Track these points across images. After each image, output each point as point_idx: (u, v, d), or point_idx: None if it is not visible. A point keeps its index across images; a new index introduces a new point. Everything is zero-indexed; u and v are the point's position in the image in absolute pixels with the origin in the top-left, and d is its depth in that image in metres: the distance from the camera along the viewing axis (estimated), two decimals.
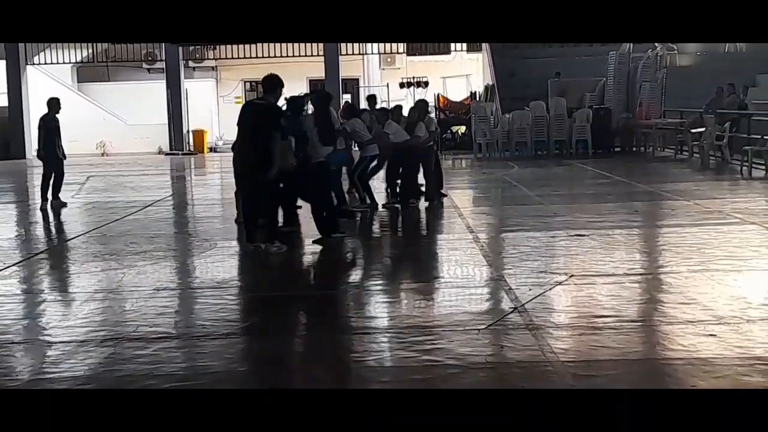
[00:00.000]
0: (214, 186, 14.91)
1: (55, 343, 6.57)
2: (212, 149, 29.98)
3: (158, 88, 28.99)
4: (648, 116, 22.17)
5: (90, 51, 32.48)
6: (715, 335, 6.10)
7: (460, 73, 34.42)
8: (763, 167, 16.26)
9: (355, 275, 9.54)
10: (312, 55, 29.43)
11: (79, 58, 32.49)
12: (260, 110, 9.82)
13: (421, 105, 13.81)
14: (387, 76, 34.31)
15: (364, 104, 17.30)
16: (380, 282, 8.76)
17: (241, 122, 9.87)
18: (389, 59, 34.63)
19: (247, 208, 10.22)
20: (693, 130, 19.71)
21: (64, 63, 31.44)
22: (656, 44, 23.93)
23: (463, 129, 26.49)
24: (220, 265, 9.77)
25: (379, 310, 7.62)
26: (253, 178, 9.90)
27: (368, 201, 13.02)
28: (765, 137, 16.50)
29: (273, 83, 9.93)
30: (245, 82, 35.22)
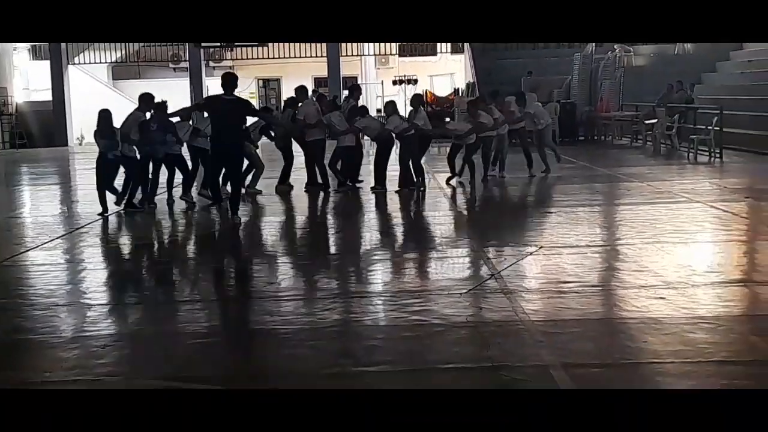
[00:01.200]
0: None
1: (94, 305, 6.56)
2: None
3: (183, 85, 28.84)
4: (608, 109, 22.14)
5: (123, 52, 32.33)
6: (664, 298, 6.11)
7: (445, 72, 34.40)
8: (707, 153, 16.26)
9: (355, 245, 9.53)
10: (316, 56, 29.33)
11: (114, 59, 32.35)
12: (234, 103, 9.96)
13: (416, 98, 13.61)
14: (382, 74, 34.28)
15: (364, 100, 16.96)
16: (380, 251, 8.76)
17: (216, 114, 10.02)
18: (383, 60, 34.63)
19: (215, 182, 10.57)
20: (646, 122, 19.70)
21: (101, 63, 31.27)
22: (615, 46, 23.88)
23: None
24: (239, 236, 9.78)
25: (374, 275, 7.62)
26: (229, 158, 10.04)
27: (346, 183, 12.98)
28: (708, 128, 16.48)
29: (233, 81, 10.07)
30: (258, 79, 35.19)
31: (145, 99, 11.57)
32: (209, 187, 10.97)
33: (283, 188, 13.16)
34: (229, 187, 10.59)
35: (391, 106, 12.92)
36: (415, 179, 12.33)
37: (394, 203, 11.90)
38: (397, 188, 12.33)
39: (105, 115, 11.18)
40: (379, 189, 12.43)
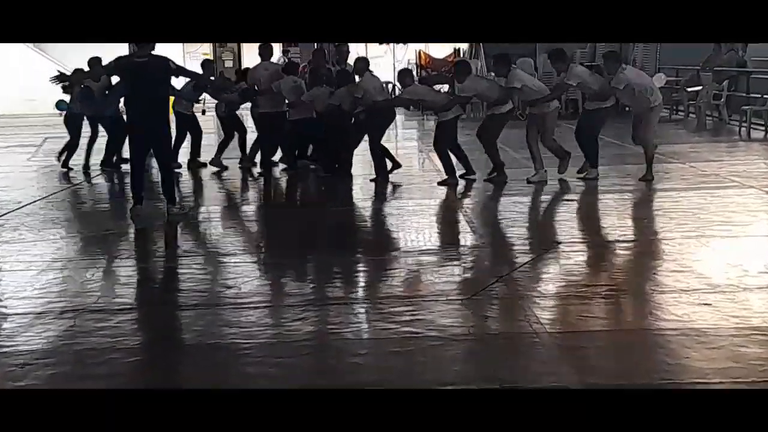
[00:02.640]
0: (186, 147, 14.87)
1: (11, 315, 6.53)
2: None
3: (121, 45, 28.70)
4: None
5: None
6: (710, 304, 6.13)
7: None
8: (763, 128, 16.31)
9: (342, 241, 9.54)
10: None
11: None
12: (148, 66, 9.74)
13: (360, 62, 13.40)
14: None
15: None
16: (362, 248, 8.77)
17: (127, 80, 9.97)
18: None
19: (139, 168, 10.16)
20: (689, 89, 19.72)
21: None
22: None
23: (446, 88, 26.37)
24: (186, 230, 9.77)
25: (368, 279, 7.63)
26: (155, 135, 9.82)
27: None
28: (765, 96, 16.53)
29: None
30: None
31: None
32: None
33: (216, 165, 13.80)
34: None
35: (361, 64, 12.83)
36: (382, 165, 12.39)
37: (373, 191, 11.91)
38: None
39: None
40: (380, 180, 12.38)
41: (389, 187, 11.99)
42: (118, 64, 10.11)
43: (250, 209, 11.72)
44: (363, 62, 12.92)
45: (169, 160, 10.34)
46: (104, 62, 11.32)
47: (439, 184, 11.75)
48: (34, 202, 11.52)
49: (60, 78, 10.02)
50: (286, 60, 15.20)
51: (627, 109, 14.09)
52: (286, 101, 13.02)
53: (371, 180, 12.19)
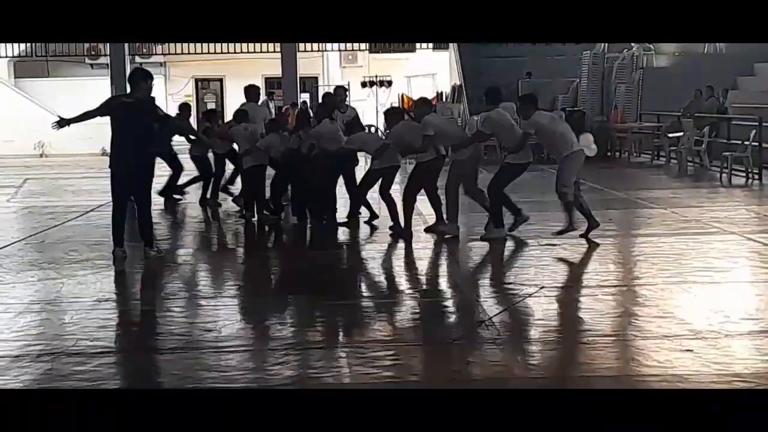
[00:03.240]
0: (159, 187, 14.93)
1: None
2: None
3: (102, 85, 28.66)
4: (623, 120, 22.31)
5: (28, 45, 32.16)
6: (692, 350, 6.15)
7: (426, 72, 34.46)
8: (743, 174, 16.43)
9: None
10: (268, 52, 29.28)
11: (16, 53, 32.17)
12: (135, 107, 9.72)
13: (325, 101, 13.40)
14: (348, 74, 34.23)
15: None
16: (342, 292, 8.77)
17: (115, 120, 9.77)
18: (350, 57, 34.55)
19: (120, 209, 9.94)
20: (670, 135, 19.86)
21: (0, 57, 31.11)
22: (632, 44, 24.12)
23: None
24: (165, 273, 9.73)
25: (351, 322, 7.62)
26: (138, 177, 9.78)
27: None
28: (745, 143, 16.64)
29: (138, 76, 9.92)
30: (196, 80, 35.10)
31: None
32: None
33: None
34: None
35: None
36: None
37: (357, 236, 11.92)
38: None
39: None
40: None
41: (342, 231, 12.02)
42: (108, 103, 10.07)
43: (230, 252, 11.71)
44: (322, 107, 12.84)
45: (148, 202, 10.20)
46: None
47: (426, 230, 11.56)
48: (13, 243, 11.47)
49: (61, 123, 10.02)
50: (268, 102, 15.25)
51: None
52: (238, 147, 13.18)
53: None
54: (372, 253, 10.94)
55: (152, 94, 10.10)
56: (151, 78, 10.00)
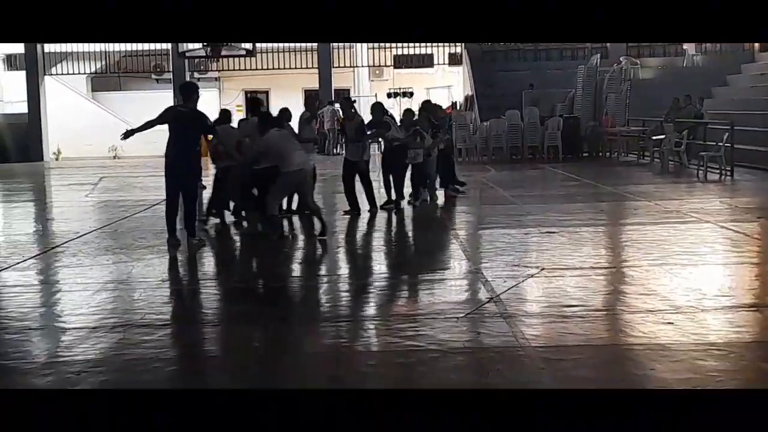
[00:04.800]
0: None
1: (69, 329, 6.54)
2: None
3: (166, 97, 28.84)
4: (613, 124, 22.22)
5: (103, 63, 32.34)
6: (673, 323, 6.12)
7: (443, 84, 34.45)
8: (717, 171, 16.32)
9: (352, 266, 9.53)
10: (307, 68, 29.37)
11: (93, 69, 32.36)
12: (188, 116, 9.77)
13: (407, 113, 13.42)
14: (375, 86, 34.30)
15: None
16: (367, 273, 8.77)
17: (170, 126, 9.79)
18: (377, 71, 34.61)
19: (173, 204, 9.99)
20: (654, 137, 19.78)
21: (79, 74, 31.31)
22: (621, 58, 24.01)
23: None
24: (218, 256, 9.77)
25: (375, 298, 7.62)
26: (186, 177, 9.78)
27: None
28: (719, 144, 16.55)
29: (190, 89, 10.03)
30: (246, 92, 35.16)
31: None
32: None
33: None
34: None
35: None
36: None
37: (372, 223, 11.90)
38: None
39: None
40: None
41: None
42: (165, 112, 10.11)
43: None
44: (272, 117, 11.29)
45: (194, 199, 10.18)
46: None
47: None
48: (90, 232, 11.56)
49: (126, 134, 10.03)
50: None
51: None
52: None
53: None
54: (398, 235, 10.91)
55: (204, 105, 10.14)
56: (198, 90, 10.12)
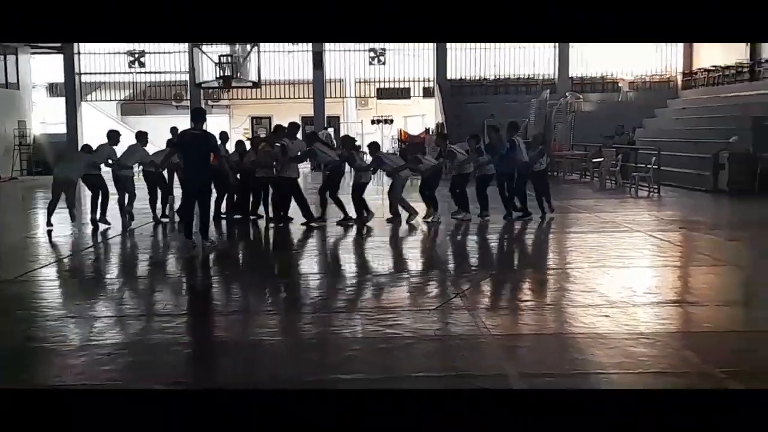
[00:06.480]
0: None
1: (100, 317, 6.49)
2: None
3: (184, 120, 28.73)
4: (560, 149, 22.33)
5: (131, 91, 32.18)
6: (609, 316, 6.13)
7: (418, 113, 34.54)
8: (647, 189, 16.42)
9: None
10: (304, 98, 29.42)
11: (122, 97, 32.21)
12: (200, 138, 9.69)
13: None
14: (361, 114, 34.39)
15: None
16: (353, 273, 8.75)
17: (185, 147, 9.76)
18: (363, 101, 34.66)
19: (189, 212, 9.90)
20: (594, 160, 19.88)
21: (111, 100, 31.14)
22: (566, 93, 24.12)
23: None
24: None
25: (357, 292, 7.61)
26: (201, 190, 9.70)
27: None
28: (648, 166, 16.67)
29: (200, 114, 9.96)
30: (252, 117, 35.12)
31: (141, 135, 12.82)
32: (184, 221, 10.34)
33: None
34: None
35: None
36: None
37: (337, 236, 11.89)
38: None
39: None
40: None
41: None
42: (180, 137, 10.10)
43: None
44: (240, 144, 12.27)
45: (208, 207, 10.06)
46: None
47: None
48: (116, 236, 11.46)
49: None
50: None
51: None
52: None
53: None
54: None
55: (213, 129, 10.11)
56: (205, 115, 10.06)
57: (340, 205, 12.04)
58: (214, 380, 4.89)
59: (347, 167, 12.61)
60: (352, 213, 11.96)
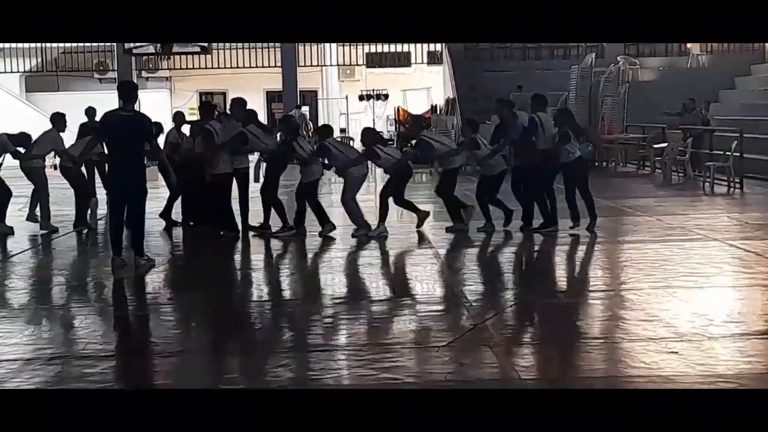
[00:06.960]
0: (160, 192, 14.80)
1: (1, 361, 6.48)
2: None
3: (110, 98, 28.58)
4: (610, 131, 22.35)
5: (39, 60, 32.17)
6: (677, 352, 6.15)
7: (421, 86, 34.48)
8: (725, 183, 16.45)
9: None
10: (269, 66, 29.34)
11: (27, 67, 32.17)
12: (130, 120, 9.65)
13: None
14: (346, 88, 34.28)
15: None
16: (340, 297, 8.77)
17: (111, 134, 9.77)
18: (348, 71, 34.56)
19: (117, 221, 9.84)
20: (655, 146, 19.89)
21: (11, 72, 31.12)
22: (618, 58, 24.16)
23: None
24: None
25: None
26: (132, 190, 9.65)
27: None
28: (727, 153, 16.68)
29: (129, 90, 9.98)
30: (201, 93, 35.09)
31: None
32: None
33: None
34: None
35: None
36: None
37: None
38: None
39: None
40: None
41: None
42: (104, 119, 9.99)
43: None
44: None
45: (142, 214, 9.87)
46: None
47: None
48: (24, 251, 11.46)
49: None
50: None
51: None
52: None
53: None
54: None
55: (152, 109, 10.07)
56: (137, 91, 10.14)
57: (279, 209, 12.04)
58: None
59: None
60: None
